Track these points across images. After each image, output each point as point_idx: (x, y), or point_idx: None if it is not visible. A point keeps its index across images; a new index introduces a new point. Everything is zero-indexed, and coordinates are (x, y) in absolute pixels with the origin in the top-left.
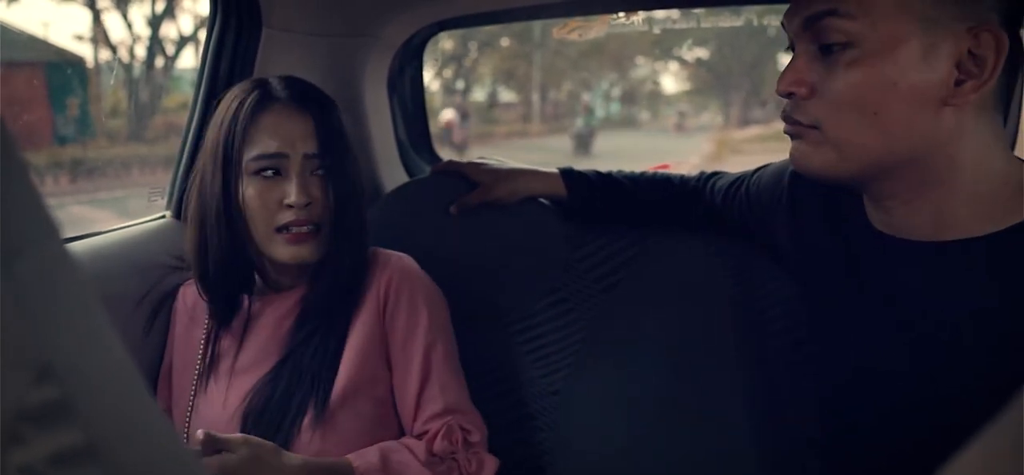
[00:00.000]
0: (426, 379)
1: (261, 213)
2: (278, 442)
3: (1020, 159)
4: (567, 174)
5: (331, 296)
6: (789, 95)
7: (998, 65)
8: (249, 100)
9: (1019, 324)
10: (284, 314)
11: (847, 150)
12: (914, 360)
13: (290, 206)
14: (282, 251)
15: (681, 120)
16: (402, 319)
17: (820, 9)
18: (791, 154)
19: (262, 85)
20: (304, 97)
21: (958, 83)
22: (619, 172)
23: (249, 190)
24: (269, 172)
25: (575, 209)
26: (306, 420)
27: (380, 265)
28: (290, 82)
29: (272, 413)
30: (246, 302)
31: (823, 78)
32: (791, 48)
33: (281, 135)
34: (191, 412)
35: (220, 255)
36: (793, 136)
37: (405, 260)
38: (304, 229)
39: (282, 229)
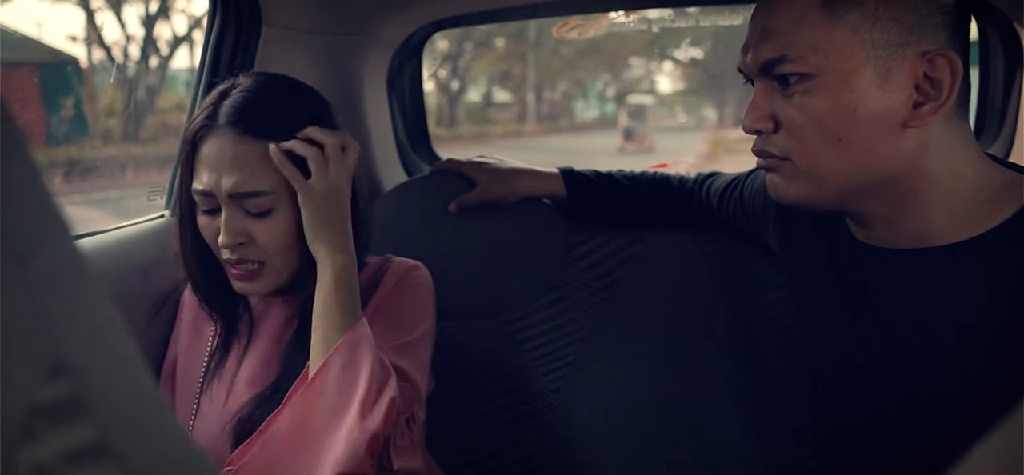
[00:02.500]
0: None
1: (211, 244)
2: None
3: (994, 160)
4: (567, 174)
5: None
6: (756, 132)
7: (954, 86)
8: (198, 120)
9: (1004, 324)
10: (285, 321)
11: (820, 178)
12: (901, 366)
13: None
14: (233, 284)
15: (635, 125)
16: (387, 317)
17: (771, 57)
18: (768, 186)
19: (219, 100)
20: (247, 126)
21: (917, 105)
22: (619, 172)
23: (200, 219)
24: (205, 208)
25: (574, 209)
26: None
27: (386, 274)
28: (240, 104)
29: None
30: (250, 304)
31: (784, 111)
32: (750, 82)
33: (210, 171)
34: (196, 413)
35: (202, 264)
36: (768, 169)
37: (411, 267)
38: (244, 268)
39: (227, 262)
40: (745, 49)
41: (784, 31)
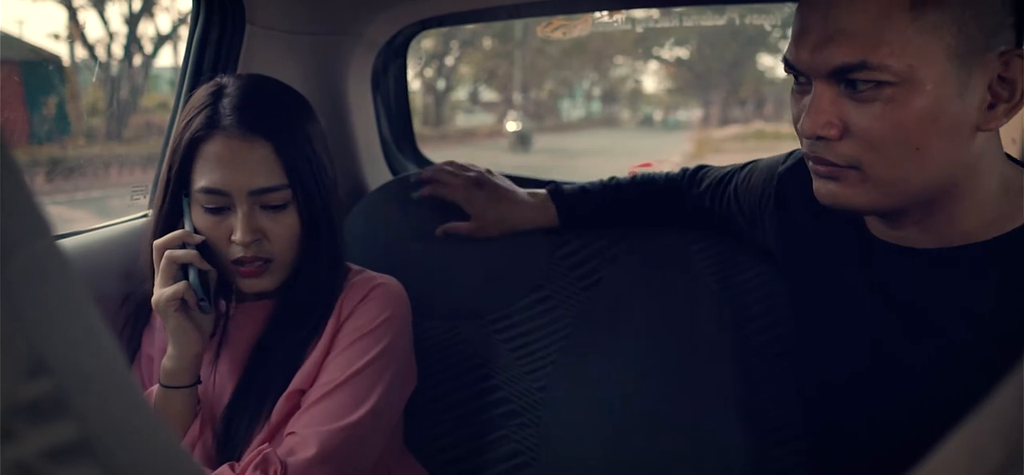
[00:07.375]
0: (317, 392)
1: (216, 244)
2: None
3: (1018, 163)
4: (556, 195)
5: (299, 314)
6: (818, 138)
7: None
8: (197, 121)
9: (1020, 326)
10: (259, 328)
11: (890, 188)
12: (914, 363)
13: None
14: (241, 283)
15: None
16: (348, 326)
17: (849, 61)
18: (820, 193)
19: (214, 101)
20: (255, 124)
21: (990, 107)
22: (609, 180)
23: (200, 220)
24: (214, 207)
25: (567, 228)
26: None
27: (355, 285)
28: (243, 103)
29: (230, 446)
30: (223, 307)
31: (855, 117)
32: (800, 83)
33: (224, 170)
34: None
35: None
36: (827, 177)
37: (384, 281)
38: (255, 265)
39: (237, 261)
40: (803, 43)
41: (865, 32)
